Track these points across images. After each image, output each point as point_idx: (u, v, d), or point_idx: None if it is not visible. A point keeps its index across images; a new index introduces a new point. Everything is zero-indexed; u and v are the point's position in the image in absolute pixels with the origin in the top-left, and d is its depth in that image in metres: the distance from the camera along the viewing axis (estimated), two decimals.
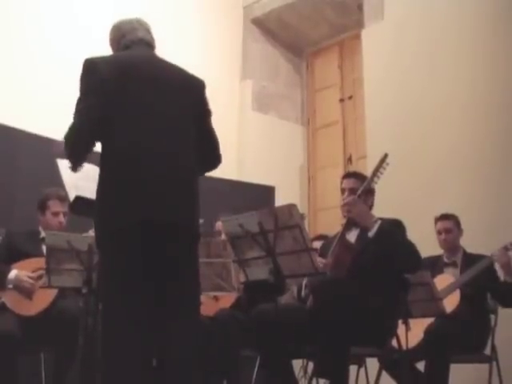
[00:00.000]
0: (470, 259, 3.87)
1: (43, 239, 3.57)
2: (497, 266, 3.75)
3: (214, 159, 2.62)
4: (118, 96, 2.33)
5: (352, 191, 3.20)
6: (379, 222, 3.08)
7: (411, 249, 3.07)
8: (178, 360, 2.27)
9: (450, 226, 3.97)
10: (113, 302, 2.25)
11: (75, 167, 2.37)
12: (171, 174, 2.34)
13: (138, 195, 2.26)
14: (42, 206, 3.74)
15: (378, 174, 3.10)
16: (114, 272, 2.26)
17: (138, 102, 2.35)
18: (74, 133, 2.30)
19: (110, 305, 2.26)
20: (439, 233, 4.00)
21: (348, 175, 3.40)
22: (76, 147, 2.33)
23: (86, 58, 2.38)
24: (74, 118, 2.31)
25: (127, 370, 2.16)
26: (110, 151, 2.33)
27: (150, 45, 2.56)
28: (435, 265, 3.90)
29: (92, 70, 2.34)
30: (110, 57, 2.51)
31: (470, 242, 4.00)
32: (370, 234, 3.07)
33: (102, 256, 2.35)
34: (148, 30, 2.59)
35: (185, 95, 2.48)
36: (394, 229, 3.12)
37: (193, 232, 2.41)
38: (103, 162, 2.34)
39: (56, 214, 3.71)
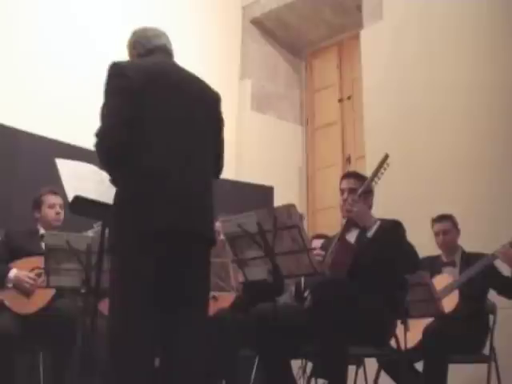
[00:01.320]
0: (468, 258, 3.85)
1: (42, 236, 3.59)
2: (500, 263, 3.71)
3: (217, 172, 2.61)
4: (145, 100, 2.31)
5: (351, 191, 3.20)
6: (378, 222, 3.08)
7: (410, 249, 3.07)
8: (184, 361, 2.27)
9: (447, 227, 3.94)
10: (125, 303, 2.24)
11: (115, 174, 2.34)
12: (191, 183, 2.33)
13: (162, 204, 2.25)
14: (38, 203, 3.79)
15: (379, 174, 3.10)
16: (130, 276, 2.24)
17: (163, 110, 2.34)
18: (106, 133, 2.26)
19: (121, 306, 2.25)
20: (437, 234, 3.97)
21: (347, 175, 3.40)
22: (111, 148, 2.27)
23: (113, 61, 2.36)
24: (104, 120, 2.28)
25: (131, 370, 2.16)
26: (133, 156, 2.30)
27: (170, 54, 2.59)
28: (434, 265, 3.89)
29: (120, 74, 2.33)
30: (136, 62, 2.52)
31: (470, 242, 3.98)
32: (370, 234, 3.07)
33: (117, 260, 2.31)
34: (168, 40, 2.61)
35: (204, 106, 2.49)
36: (393, 229, 3.12)
37: (209, 239, 2.41)
38: (125, 167, 2.30)
39: (52, 206, 3.76)
